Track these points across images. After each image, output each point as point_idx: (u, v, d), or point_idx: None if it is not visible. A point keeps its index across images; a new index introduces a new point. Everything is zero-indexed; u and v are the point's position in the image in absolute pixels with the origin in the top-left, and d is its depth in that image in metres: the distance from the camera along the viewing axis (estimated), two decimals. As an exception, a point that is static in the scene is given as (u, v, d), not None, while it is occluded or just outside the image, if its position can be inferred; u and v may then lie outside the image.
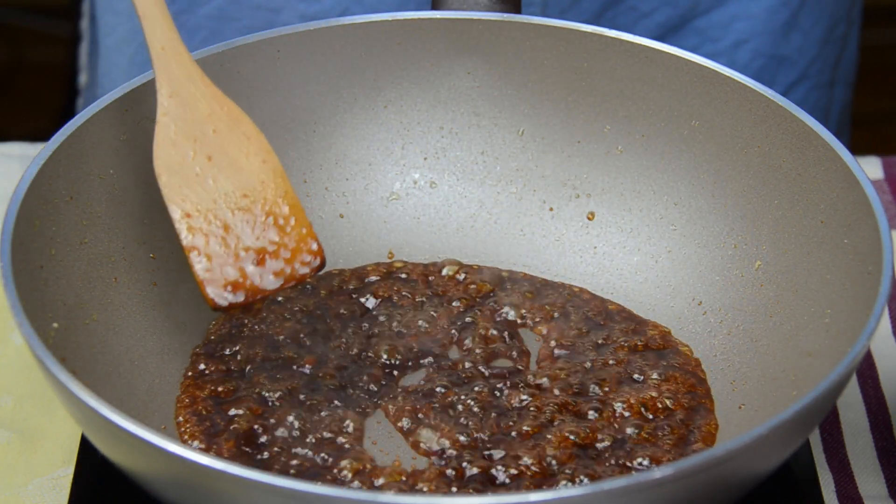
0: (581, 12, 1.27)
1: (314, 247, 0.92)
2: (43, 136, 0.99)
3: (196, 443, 0.89)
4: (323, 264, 0.92)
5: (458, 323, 0.98)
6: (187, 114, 0.91)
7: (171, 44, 0.91)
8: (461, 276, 1.02)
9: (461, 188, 1.08)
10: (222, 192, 0.91)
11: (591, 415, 0.92)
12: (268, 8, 1.27)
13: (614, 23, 1.28)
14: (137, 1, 0.90)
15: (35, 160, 0.90)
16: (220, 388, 0.93)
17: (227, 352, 0.95)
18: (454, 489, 0.87)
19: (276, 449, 0.89)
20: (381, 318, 0.98)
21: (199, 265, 0.89)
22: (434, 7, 1.06)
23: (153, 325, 0.96)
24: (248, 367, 0.94)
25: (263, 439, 0.89)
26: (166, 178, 0.90)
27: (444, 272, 1.02)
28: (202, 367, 0.94)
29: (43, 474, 0.94)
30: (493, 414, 0.91)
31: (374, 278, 1.02)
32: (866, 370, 1.02)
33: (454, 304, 1.00)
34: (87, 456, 0.94)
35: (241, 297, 0.90)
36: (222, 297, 0.90)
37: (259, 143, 0.92)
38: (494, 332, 0.98)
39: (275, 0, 1.27)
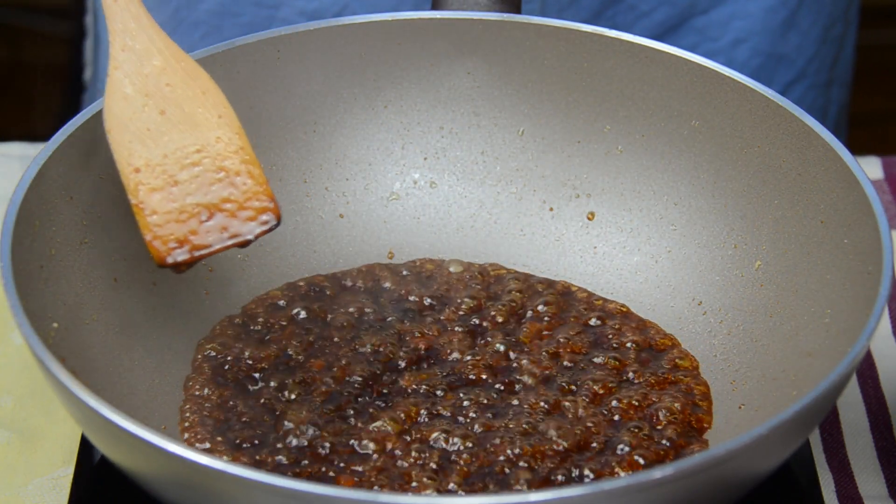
0: (580, 10, 1.27)
1: (269, 204, 0.87)
2: (43, 136, 0.99)
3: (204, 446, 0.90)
4: (278, 222, 0.88)
5: (464, 325, 0.98)
6: (140, 68, 0.88)
7: None
8: (467, 276, 1.02)
9: (461, 188, 1.08)
10: (174, 147, 0.87)
11: (582, 414, 0.92)
12: (267, 4, 1.27)
13: (613, 21, 1.28)
14: None
15: (35, 160, 0.90)
16: (226, 394, 0.93)
17: (232, 357, 0.95)
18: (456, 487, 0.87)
19: (286, 453, 0.89)
20: (389, 319, 0.98)
21: (146, 220, 0.86)
22: (434, 7, 1.06)
23: (153, 325, 0.96)
24: (254, 373, 0.94)
25: (277, 444, 0.89)
26: (116, 133, 0.87)
27: (452, 270, 1.03)
28: (207, 374, 0.95)
29: (43, 474, 0.94)
30: (489, 414, 0.91)
31: (380, 279, 1.02)
32: (866, 370, 1.02)
33: (459, 302, 1.00)
34: (87, 456, 0.94)
35: (187, 254, 0.86)
36: (169, 253, 0.86)
37: (216, 97, 0.89)
38: (497, 333, 0.98)
39: None
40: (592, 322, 0.99)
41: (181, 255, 0.86)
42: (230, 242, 0.86)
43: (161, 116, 0.88)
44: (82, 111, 0.94)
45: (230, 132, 0.89)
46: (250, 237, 0.87)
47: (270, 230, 0.87)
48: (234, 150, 0.88)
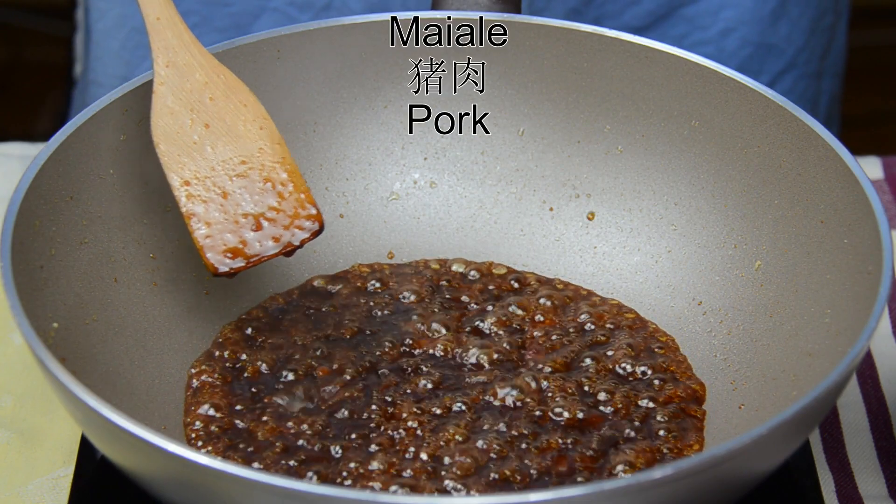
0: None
1: (312, 211, 0.92)
2: (43, 136, 0.99)
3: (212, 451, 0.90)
4: (321, 229, 0.92)
5: (467, 326, 0.98)
6: (184, 83, 0.91)
7: (167, 13, 0.92)
8: (472, 275, 1.03)
9: (461, 188, 1.08)
10: (220, 160, 0.91)
11: (580, 414, 0.92)
12: None
13: (602, 10, 1.28)
14: None
15: (35, 160, 0.90)
16: (234, 398, 0.93)
17: (241, 358, 0.96)
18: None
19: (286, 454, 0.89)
20: (391, 320, 0.99)
21: (198, 232, 0.89)
22: (434, 7, 1.05)
23: (153, 325, 0.96)
24: (262, 376, 0.94)
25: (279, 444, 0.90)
26: (164, 146, 0.90)
27: (454, 269, 1.03)
28: (212, 375, 0.95)
29: (43, 474, 0.94)
30: (489, 415, 0.92)
31: (377, 281, 1.02)
32: (866, 370, 1.02)
33: (463, 301, 1.00)
34: (87, 456, 0.94)
35: (240, 263, 0.90)
36: (222, 262, 0.90)
37: (256, 110, 0.93)
38: (501, 332, 0.98)
39: None
40: (590, 323, 0.99)
41: (234, 264, 0.90)
42: (278, 249, 0.90)
43: (206, 129, 0.91)
44: (82, 111, 0.94)
45: (271, 143, 0.92)
46: (297, 244, 0.91)
47: (315, 236, 0.91)
48: (277, 160, 0.92)
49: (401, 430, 0.90)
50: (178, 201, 0.90)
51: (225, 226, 0.90)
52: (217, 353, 0.96)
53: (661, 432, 0.91)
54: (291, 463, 0.88)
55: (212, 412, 0.92)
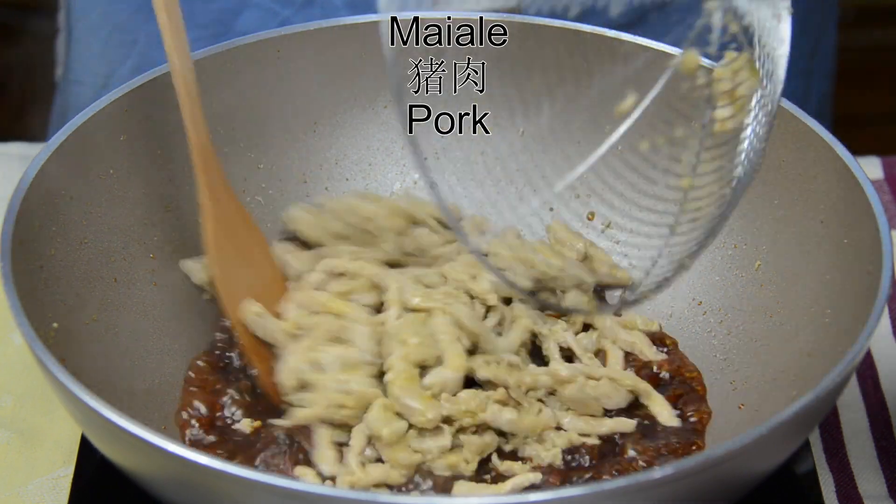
0: None
1: None
2: (42, 136, 0.99)
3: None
4: None
5: None
6: (222, 214, 0.94)
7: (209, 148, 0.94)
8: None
9: (461, 188, 1.07)
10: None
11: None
12: None
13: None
14: (183, 97, 0.91)
15: (35, 160, 0.90)
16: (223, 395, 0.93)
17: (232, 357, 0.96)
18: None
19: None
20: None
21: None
22: (434, 7, 1.05)
23: (153, 325, 0.96)
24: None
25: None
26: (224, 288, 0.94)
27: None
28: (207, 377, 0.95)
29: (43, 474, 0.94)
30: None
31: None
32: (866, 370, 1.02)
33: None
34: (87, 456, 0.94)
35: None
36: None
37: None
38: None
39: None
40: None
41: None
42: None
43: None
44: (82, 111, 0.94)
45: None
46: None
47: None
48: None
49: None
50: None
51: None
52: (217, 353, 0.96)
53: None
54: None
55: (205, 410, 0.92)
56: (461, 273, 0.96)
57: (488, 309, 0.96)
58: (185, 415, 0.91)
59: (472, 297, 0.95)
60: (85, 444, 0.95)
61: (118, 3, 1.27)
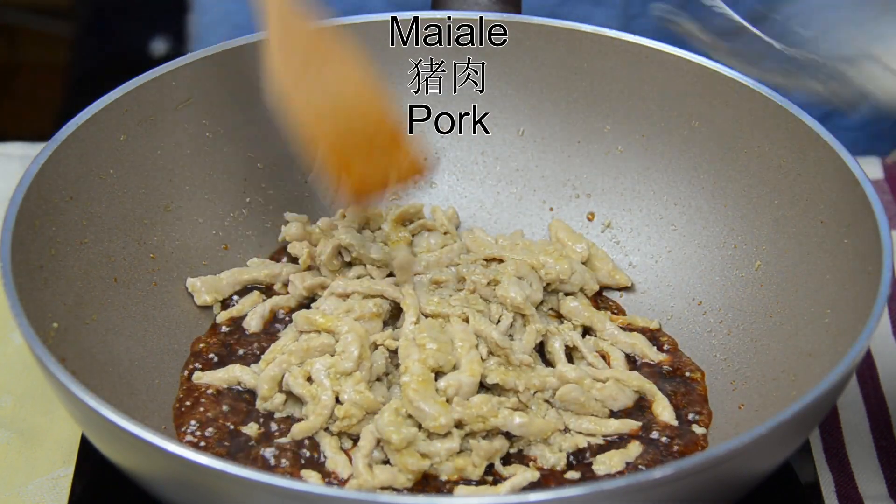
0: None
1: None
2: (43, 136, 0.99)
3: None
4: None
5: None
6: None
7: None
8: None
9: (461, 188, 1.08)
10: None
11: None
12: None
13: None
14: None
15: (35, 160, 0.90)
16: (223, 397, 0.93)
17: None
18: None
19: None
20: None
21: None
22: (434, 7, 1.05)
23: (153, 325, 0.96)
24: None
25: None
26: None
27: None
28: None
29: (43, 474, 0.94)
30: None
31: None
32: (866, 370, 1.02)
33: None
34: (87, 456, 0.94)
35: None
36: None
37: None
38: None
39: None
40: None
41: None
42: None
43: None
44: (82, 112, 0.94)
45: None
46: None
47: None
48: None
49: None
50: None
51: None
52: (215, 353, 0.96)
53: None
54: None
55: (204, 410, 0.92)
56: (482, 277, 0.96)
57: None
58: (184, 415, 0.91)
59: (487, 301, 0.95)
60: (85, 444, 0.95)
61: (241, 2, 1.30)
